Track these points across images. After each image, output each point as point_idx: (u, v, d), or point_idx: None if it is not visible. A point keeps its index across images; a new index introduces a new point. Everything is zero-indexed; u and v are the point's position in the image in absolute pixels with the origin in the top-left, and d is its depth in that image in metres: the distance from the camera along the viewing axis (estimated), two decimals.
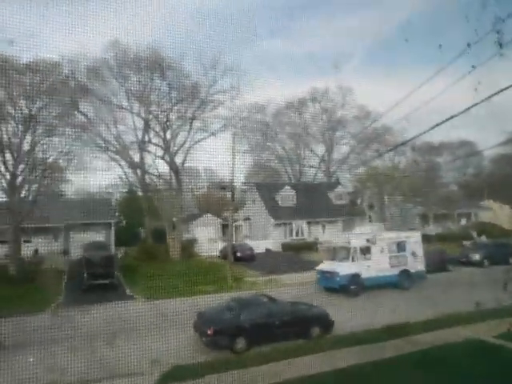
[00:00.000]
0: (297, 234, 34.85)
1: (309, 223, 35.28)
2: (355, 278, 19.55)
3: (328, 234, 34.08)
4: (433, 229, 36.93)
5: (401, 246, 21.63)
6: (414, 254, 21.51)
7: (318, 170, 43.83)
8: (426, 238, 34.06)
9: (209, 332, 12.58)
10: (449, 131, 46.77)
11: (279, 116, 35.92)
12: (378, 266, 20.06)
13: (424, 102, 19.46)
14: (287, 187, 36.58)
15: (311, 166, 43.63)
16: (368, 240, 20.95)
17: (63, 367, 11.08)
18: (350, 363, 10.62)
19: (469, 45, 7.68)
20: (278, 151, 41.36)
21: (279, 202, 35.58)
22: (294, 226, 34.87)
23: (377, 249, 20.80)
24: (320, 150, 42.75)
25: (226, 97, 30.09)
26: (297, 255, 29.34)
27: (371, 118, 37.94)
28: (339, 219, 36.01)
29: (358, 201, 39.67)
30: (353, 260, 20.42)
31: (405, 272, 20.92)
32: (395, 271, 20.67)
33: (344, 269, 19.70)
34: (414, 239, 22.18)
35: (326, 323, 13.91)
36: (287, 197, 35.75)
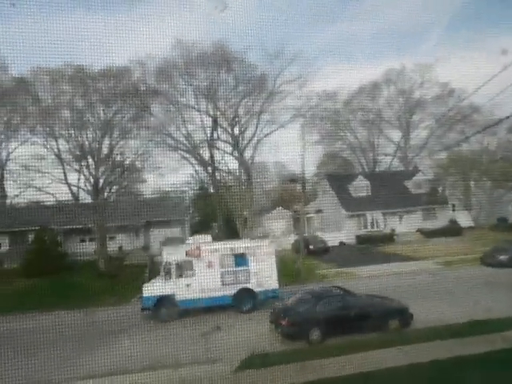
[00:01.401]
0: (372, 226, 33.27)
1: (384, 214, 33.53)
2: (165, 300, 16.11)
3: (405, 225, 32.13)
4: None
5: (240, 260, 17.17)
6: (260, 269, 16.90)
7: (394, 158, 41.44)
8: None
9: (284, 323, 12.51)
10: None
11: (351, 102, 34.48)
12: (202, 284, 16.19)
13: None
14: (360, 177, 35.16)
15: (386, 154, 41.38)
16: (187, 253, 16.96)
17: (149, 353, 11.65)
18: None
19: None
20: (350, 140, 39.83)
21: (352, 193, 34.27)
22: (368, 217, 33.36)
23: (202, 263, 16.78)
24: (396, 136, 40.33)
25: (294, 86, 29.59)
26: (372, 248, 27.99)
27: (455, 97, 34.83)
28: (418, 209, 33.77)
29: (440, 189, 36.65)
30: (165, 278, 16.70)
31: (244, 291, 16.64)
32: (230, 291, 16.53)
33: (149, 289, 16.35)
34: (260, 250, 17.30)
35: (404, 316, 13.02)
36: (361, 187, 34.32)
